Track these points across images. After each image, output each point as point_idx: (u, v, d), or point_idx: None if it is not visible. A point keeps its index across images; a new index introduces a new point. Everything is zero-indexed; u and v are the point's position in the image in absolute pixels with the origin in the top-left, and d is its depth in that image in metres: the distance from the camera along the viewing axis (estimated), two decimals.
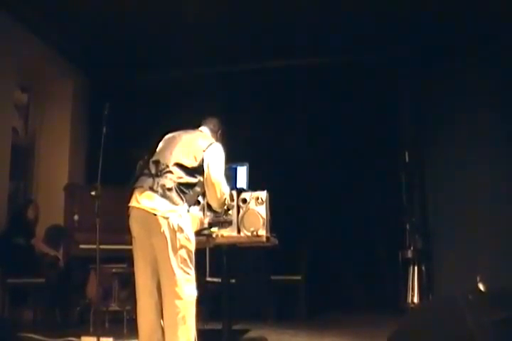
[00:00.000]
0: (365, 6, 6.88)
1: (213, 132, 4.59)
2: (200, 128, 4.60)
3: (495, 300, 3.03)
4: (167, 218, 3.95)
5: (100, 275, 6.28)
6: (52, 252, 6.99)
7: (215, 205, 4.45)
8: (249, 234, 4.68)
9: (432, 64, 7.59)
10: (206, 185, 4.27)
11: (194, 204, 4.33)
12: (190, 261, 4.02)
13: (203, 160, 4.22)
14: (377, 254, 7.50)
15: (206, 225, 4.76)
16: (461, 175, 7.08)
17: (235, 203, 4.82)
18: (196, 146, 4.30)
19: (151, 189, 4.05)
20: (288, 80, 8.25)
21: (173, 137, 4.43)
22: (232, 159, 4.93)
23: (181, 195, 4.05)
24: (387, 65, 7.82)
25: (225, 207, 4.54)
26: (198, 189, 4.23)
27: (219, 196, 4.32)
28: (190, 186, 4.16)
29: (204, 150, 4.26)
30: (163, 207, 3.98)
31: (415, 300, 6.68)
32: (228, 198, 4.53)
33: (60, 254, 7.09)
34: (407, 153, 7.48)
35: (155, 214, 3.97)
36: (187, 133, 4.47)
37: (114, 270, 6.42)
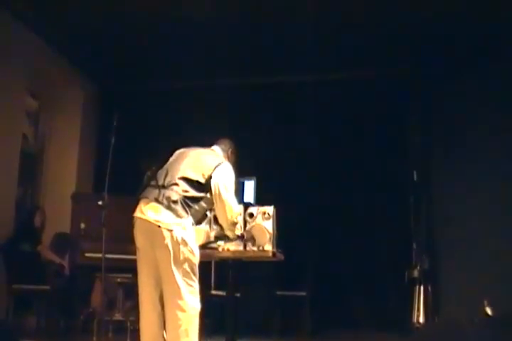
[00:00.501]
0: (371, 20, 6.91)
1: (224, 151, 4.60)
2: (212, 147, 4.61)
3: (501, 324, 3.01)
4: (171, 230, 3.95)
5: (105, 285, 6.31)
6: (57, 260, 6.99)
7: (225, 225, 4.43)
8: (255, 248, 4.68)
9: (443, 81, 7.56)
10: (216, 206, 4.27)
11: (200, 219, 4.34)
12: (194, 274, 4.01)
13: (210, 177, 4.22)
14: (384, 273, 7.45)
15: (212, 238, 4.76)
16: (470, 196, 7.04)
17: (241, 218, 4.82)
18: (206, 163, 4.30)
19: (157, 200, 4.06)
20: (298, 93, 8.27)
21: (184, 152, 4.44)
22: (240, 173, 4.94)
23: (186, 209, 4.05)
24: (398, 82, 7.82)
25: (237, 232, 4.52)
26: (203, 205, 4.22)
27: (229, 217, 4.31)
28: (196, 200, 4.15)
29: (213, 169, 4.25)
30: (168, 219, 3.98)
31: (420, 320, 6.63)
32: (240, 221, 4.52)
33: (65, 262, 7.08)
34: (415, 173, 7.45)
35: (159, 226, 3.96)
36: (198, 149, 4.49)
37: (119, 280, 6.41)
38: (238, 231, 4.50)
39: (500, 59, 6.99)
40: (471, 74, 7.24)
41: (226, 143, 4.69)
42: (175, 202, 4.04)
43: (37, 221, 7.07)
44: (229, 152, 4.64)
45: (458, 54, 7.24)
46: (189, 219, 4.07)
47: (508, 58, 6.92)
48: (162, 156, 4.69)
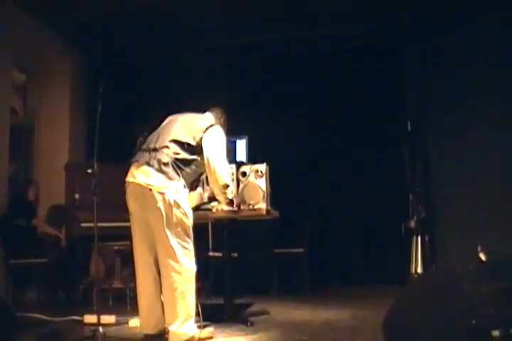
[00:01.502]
0: None
1: (217, 118, 4.56)
2: (204, 114, 4.56)
3: (495, 269, 3.00)
4: (163, 193, 3.93)
5: (102, 253, 6.31)
6: (53, 232, 6.99)
7: (216, 190, 4.40)
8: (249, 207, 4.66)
9: (432, 29, 7.45)
10: (207, 169, 4.24)
11: (192, 182, 4.31)
12: (188, 236, 4.00)
13: (201, 139, 4.20)
14: (380, 225, 7.45)
15: (206, 200, 4.75)
16: (464, 144, 7.02)
17: (234, 176, 4.80)
18: (196, 126, 4.28)
19: (147, 163, 4.04)
20: (288, 53, 8.15)
21: (175, 117, 4.44)
22: (232, 132, 4.90)
23: (178, 171, 4.03)
24: (386, 33, 7.69)
25: (228, 196, 4.47)
26: (195, 167, 4.20)
27: (220, 180, 4.28)
28: (187, 163, 4.13)
29: (204, 131, 4.23)
30: (159, 182, 3.96)
31: (419, 270, 6.66)
32: (231, 184, 4.47)
33: (61, 234, 7.09)
34: (409, 123, 7.39)
35: (150, 190, 3.95)
36: (190, 114, 4.46)
37: (116, 247, 6.43)
38: (230, 195, 4.46)
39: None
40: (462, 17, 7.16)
41: (218, 112, 4.69)
42: (166, 164, 4.02)
43: (30, 194, 7.04)
44: (221, 120, 4.61)
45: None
46: (181, 182, 4.05)
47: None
48: (153, 122, 4.65)
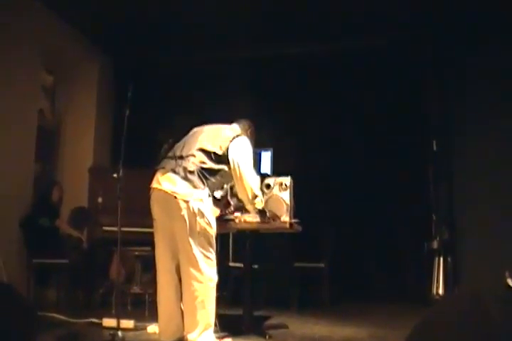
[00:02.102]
0: None
1: (243, 130, 4.54)
2: (231, 125, 4.56)
3: None
4: (187, 201, 3.92)
5: (123, 258, 6.32)
6: (76, 234, 7.02)
7: (245, 200, 4.38)
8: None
9: (462, 49, 7.40)
10: (235, 180, 4.24)
11: (217, 189, 4.30)
12: (211, 246, 3.99)
13: (227, 149, 4.19)
14: (403, 244, 7.39)
15: (231, 209, 4.73)
16: (489, 166, 6.93)
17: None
18: (223, 136, 4.28)
19: (173, 171, 4.04)
20: (312, 66, 8.14)
21: (202, 128, 4.43)
22: (257, 144, 4.89)
23: (203, 180, 4.03)
24: (412, 51, 7.65)
25: (258, 206, 4.45)
26: (220, 178, 4.19)
27: (248, 191, 4.27)
28: (213, 173, 4.13)
29: (230, 141, 4.23)
30: (184, 190, 3.96)
31: (440, 291, 6.58)
32: (260, 194, 4.45)
33: (83, 236, 7.12)
34: (434, 142, 7.33)
35: (175, 197, 3.94)
36: (216, 125, 4.45)
37: (137, 253, 6.44)
38: (259, 205, 4.44)
39: None
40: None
41: (245, 124, 4.67)
42: (191, 172, 4.02)
43: (54, 196, 7.07)
44: (248, 132, 4.59)
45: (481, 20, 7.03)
46: (206, 191, 4.04)
47: None
48: (179, 128, 4.66)
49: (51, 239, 6.70)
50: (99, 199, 6.70)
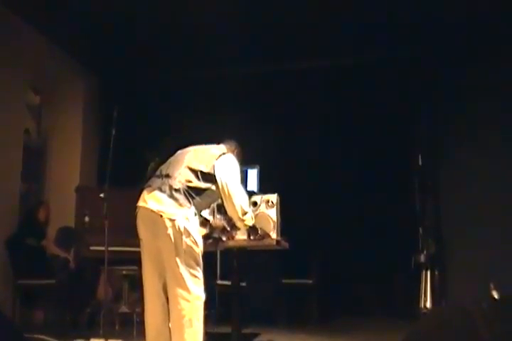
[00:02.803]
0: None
1: (230, 150, 4.51)
2: (218, 145, 4.55)
3: (508, 307, 2.96)
4: (173, 220, 3.90)
5: (110, 277, 6.29)
6: (62, 254, 6.98)
7: (235, 217, 4.33)
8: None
9: (443, 64, 7.51)
10: (224, 198, 4.21)
11: (204, 208, 4.30)
12: (197, 264, 3.97)
13: (214, 167, 4.18)
14: (390, 259, 7.41)
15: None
16: (475, 179, 6.99)
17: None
18: (209, 154, 4.28)
19: (159, 189, 4.03)
20: (300, 81, 8.21)
21: (188, 148, 4.41)
22: (243, 162, 4.90)
23: (189, 198, 4.00)
24: (399, 65, 7.74)
25: (247, 223, 4.42)
26: (206, 197, 4.16)
27: (238, 209, 4.23)
28: (199, 192, 4.10)
29: (216, 158, 4.22)
30: (170, 208, 3.94)
31: (428, 305, 6.59)
32: (251, 213, 4.43)
33: (70, 256, 7.07)
34: (420, 156, 7.39)
35: (161, 216, 3.93)
36: (203, 145, 4.45)
37: (124, 272, 6.41)
38: (250, 222, 4.41)
39: None
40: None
41: (232, 144, 4.62)
42: (177, 190, 4.00)
43: (41, 215, 7.04)
44: (235, 152, 4.56)
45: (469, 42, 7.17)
46: (192, 209, 4.02)
47: None
48: (166, 149, 4.67)
49: (37, 259, 6.65)
50: (86, 219, 6.67)
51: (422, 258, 6.91)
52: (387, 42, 7.50)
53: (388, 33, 7.26)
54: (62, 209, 7.60)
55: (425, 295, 6.68)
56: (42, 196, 8.09)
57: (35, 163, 8.12)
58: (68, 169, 8.22)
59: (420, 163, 7.38)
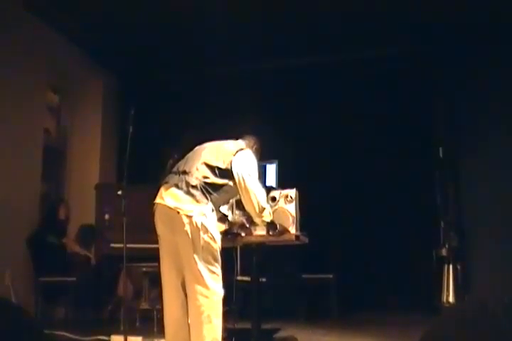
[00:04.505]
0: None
1: (248, 146, 4.48)
2: (236, 140, 4.53)
3: None
4: (190, 216, 3.89)
5: (130, 274, 6.31)
6: (83, 251, 7.04)
7: (253, 213, 4.32)
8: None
9: (466, 59, 7.41)
10: (241, 195, 4.19)
11: (223, 204, 4.29)
12: (215, 260, 3.95)
13: (231, 163, 4.16)
14: (411, 252, 7.34)
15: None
16: (497, 172, 6.90)
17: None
18: (226, 150, 4.25)
19: (176, 186, 4.01)
20: (316, 77, 8.16)
21: (206, 144, 4.39)
22: (262, 157, 4.88)
23: (206, 195, 3.98)
24: (420, 60, 7.67)
25: (266, 219, 4.40)
26: (224, 193, 4.13)
27: (255, 204, 4.20)
28: (217, 188, 4.08)
29: (234, 154, 4.19)
30: (187, 205, 3.93)
31: (450, 299, 6.53)
32: (269, 208, 4.40)
33: (91, 253, 7.13)
34: (441, 150, 7.32)
35: (178, 212, 3.92)
36: (220, 141, 4.43)
37: (144, 269, 6.41)
38: (268, 218, 4.39)
39: None
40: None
41: (251, 140, 4.60)
42: (194, 187, 3.99)
43: (61, 213, 7.12)
44: (253, 148, 4.54)
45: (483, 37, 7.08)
46: (209, 205, 4.01)
47: None
48: (184, 145, 4.66)
49: (58, 257, 6.73)
50: (106, 216, 6.69)
51: (444, 251, 6.84)
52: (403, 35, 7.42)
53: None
54: (82, 207, 7.66)
55: (447, 290, 6.61)
56: (62, 194, 8.15)
57: (54, 162, 8.18)
58: (88, 167, 8.28)
59: (441, 155, 7.30)
